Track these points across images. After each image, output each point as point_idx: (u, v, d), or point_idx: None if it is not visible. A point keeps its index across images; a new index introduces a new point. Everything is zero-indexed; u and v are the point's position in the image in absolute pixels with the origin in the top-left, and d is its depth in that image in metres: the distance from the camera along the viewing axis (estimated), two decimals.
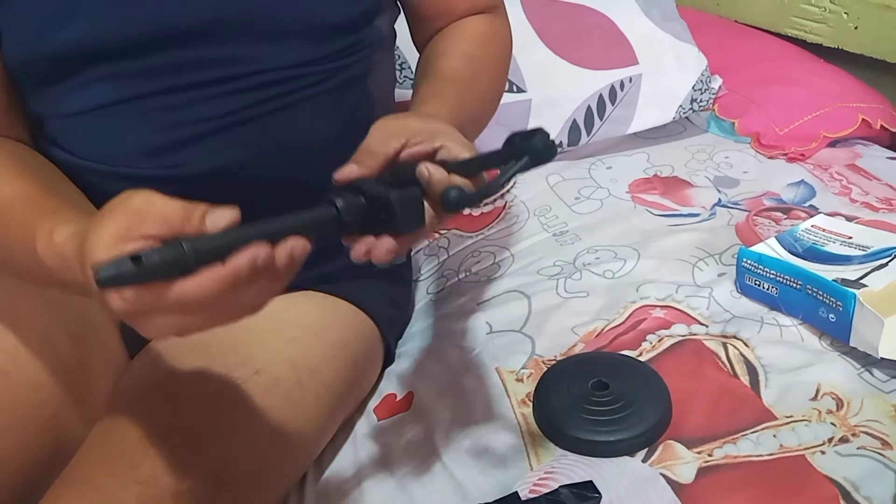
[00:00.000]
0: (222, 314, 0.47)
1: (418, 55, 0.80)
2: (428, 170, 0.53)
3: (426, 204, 0.52)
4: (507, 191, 0.50)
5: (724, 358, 0.76)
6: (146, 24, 0.65)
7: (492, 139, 1.11)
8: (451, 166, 0.53)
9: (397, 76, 1.08)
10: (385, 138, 0.55)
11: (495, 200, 1.07)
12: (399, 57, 1.10)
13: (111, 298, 0.44)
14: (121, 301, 0.44)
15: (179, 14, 0.65)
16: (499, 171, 0.51)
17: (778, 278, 0.80)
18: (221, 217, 0.46)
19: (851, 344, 0.74)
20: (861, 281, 0.76)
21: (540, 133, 0.50)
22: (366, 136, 0.57)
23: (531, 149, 0.49)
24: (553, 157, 0.50)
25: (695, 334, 0.79)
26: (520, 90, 1.13)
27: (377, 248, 0.52)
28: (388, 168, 0.55)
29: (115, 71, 0.66)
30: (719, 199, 1.03)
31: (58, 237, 0.53)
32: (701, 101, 1.17)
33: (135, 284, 0.43)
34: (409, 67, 1.09)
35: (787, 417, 0.69)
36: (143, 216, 0.45)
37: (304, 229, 0.47)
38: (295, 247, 0.46)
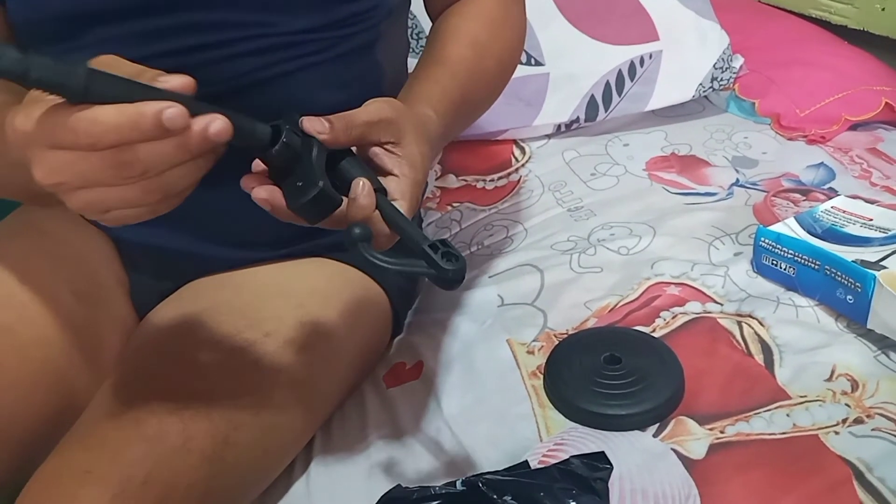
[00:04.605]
0: (134, 191, 0.44)
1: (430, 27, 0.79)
2: (364, 189, 0.50)
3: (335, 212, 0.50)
4: (392, 269, 0.49)
5: (738, 336, 0.75)
6: None
7: (510, 114, 1.10)
8: (382, 203, 0.51)
9: (413, 45, 1.06)
10: (374, 127, 0.54)
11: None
12: (416, 26, 1.09)
13: (17, 118, 0.43)
14: (24, 119, 0.43)
15: None
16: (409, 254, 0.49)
17: (796, 258, 0.79)
18: (172, 80, 0.44)
19: (869, 326, 0.73)
20: (881, 263, 0.75)
21: (459, 262, 0.47)
22: (364, 104, 0.55)
23: (443, 268, 0.47)
24: (453, 287, 0.48)
25: (709, 312, 0.78)
26: (538, 63, 1.12)
27: (262, 189, 0.49)
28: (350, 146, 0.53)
29: (117, 33, 0.65)
30: (737, 179, 1.01)
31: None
32: (722, 79, 1.15)
33: (15, 78, 0.39)
34: (425, 35, 1.08)
35: (801, 397, 0.68)
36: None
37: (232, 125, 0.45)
38: (214, 122, 0.43)
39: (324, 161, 0.50)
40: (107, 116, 0.41)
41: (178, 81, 0.44)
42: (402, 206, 0.53)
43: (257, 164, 0.52)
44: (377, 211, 0.51)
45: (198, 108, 0.43)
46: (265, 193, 0.50)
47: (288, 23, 0.67)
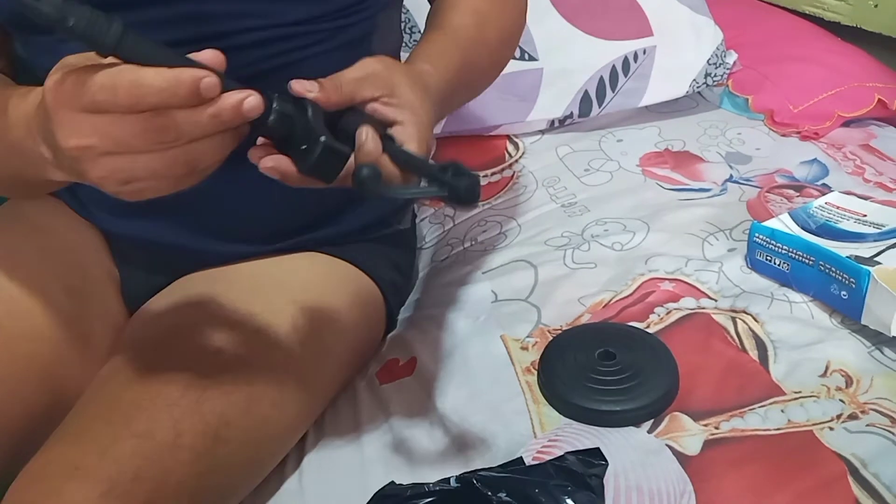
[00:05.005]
0: (163, 159, 0.44)
1: (429, 8, 0.78)
2: (367, 135, 0.50)
3: (347, 165, 0.50)
4: (411, 201, 0.49)
5: (732, 332, 0.75)
6: None
7: (503, 109, 1.10)
8: (390, 146, 0.51)
9: (406, 40, 1.06)
10: (363, 82, 0.53)
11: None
12: (409, 20, 1.08)
13: (50, 81, 0.44)
14: (57, 81, 0.43)
15: None
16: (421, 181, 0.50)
17: (790, 254, 0.79)
18: (203, 54, 0.44)
19: (863, 322, 0.73)
20: (875, 258, 0.75)
21: (470, 178, 0.48)
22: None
23: (453, 185, 0.47)
24: (470, 205, 0.48)
25: (703, 308, 0.78)
26: (532, 59, 1.11)
27: (269, 159, 0.49)
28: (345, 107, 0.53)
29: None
30: (731, 175, 1.01)
31: (37, 91, 0.50)
32: (715, 75, 1.15)
33: (54, 23, 0.40)
34: (419, 31, 1.07)
35: (796, 393, 0.68)
36: None
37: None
38: (250, 98, 0.44)
39: (322, 119, 0.50)
40: (150, 78, 0.42)
41: (209, 55, 0.45)
42: (411, 148, 0.52)
43: (262, 140, 0.51)
44: (386, 155, 0.51)
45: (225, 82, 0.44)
46: (271, 162, 0.49)
47: (286, 13, 0.66)
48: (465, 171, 0.48)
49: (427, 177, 0.49)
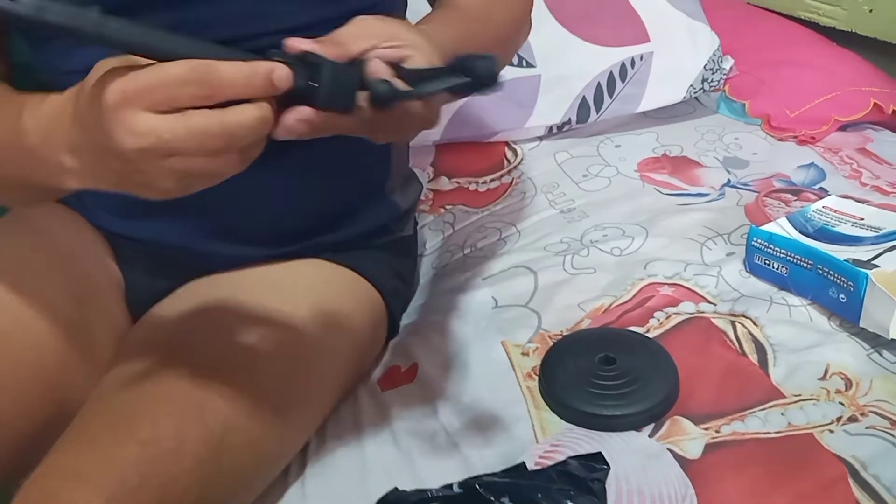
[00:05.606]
0: (219, 148, 0.45)
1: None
2: (375, 61, 0.50)
3: (362, 95, 0.49)
4: (431, 96, 0.48)
5: (732, 336, 0.75)
6: None
7: (502, 115, 1.11)
8: (401, 71, 0.50)
9: None
10: (358, 35, 0.52)
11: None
12: None
13: (103, 85, 0.44)
14: (114, 86, 0.44)
15: None
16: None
17: (788, 258, 0.79)
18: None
19: (861, 325, 0.73)
20: (873, 262, 0.75)
21: (485, 59, 0.47)
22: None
23: (472, 70, 0.47)
24: (491, 86, 0.47)
25: (703, 312, 0.78)
26: (529, 65, 1.12)
27: (289, 114, 0.47)
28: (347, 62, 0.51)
29: None
30: (728, 180, 1.02)
31: (53, 98, 0.51)
32: (712, 81, 1.16)
33: (32, 22, 0.41)
34: None
35: (796, 396, 0.68)
36: None
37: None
38: (278, 72, 0.45)
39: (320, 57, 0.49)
40: (228, 71, 0.44)
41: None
42: (425, 63, 0.51)
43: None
44: (399, 80, 0.50)
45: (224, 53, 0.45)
46: (292, 115, 0.47)
47: (295, 16, 0.66)
48: (476, 56, 0.47)
49: (442, 78, 0.49)
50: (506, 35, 0.76)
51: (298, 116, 0.47)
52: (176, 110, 0.44)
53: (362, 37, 0.52)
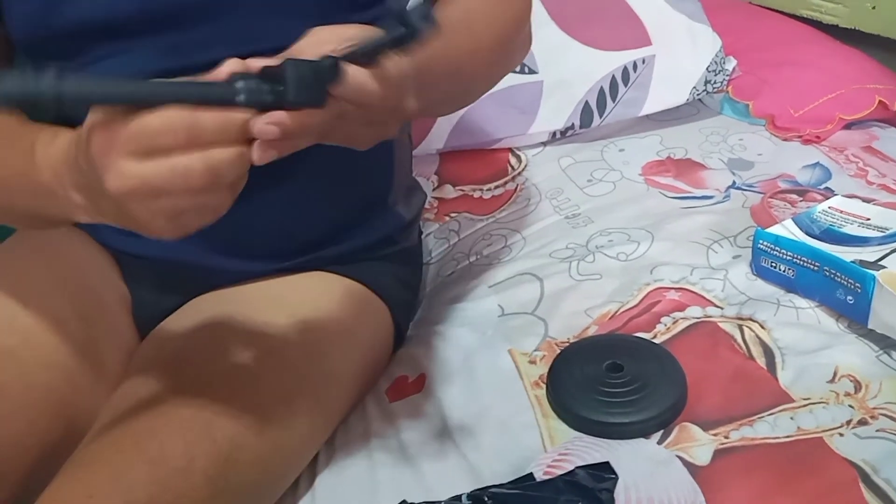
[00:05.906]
0: (204, 185, 0.46)
1: None
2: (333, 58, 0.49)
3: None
4: (375, 54, 0.48)
5: (739, 340, 0.75)
6: (156, 1, 0.64)
7: (505, 122, 1.11)
8: (351, 57, 0.50)
9: None
10: (315, 42, 0.52)
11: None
12: None
13: (91, 131, 0.47)
14: (98, 133, 0.46)
15: None
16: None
17: (795, 260, 0.79)
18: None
19: (870, 326, 0.73)
20: (880, 262, 0.75)
21: (418, 6, 0.48)
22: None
23: (406, 18, 0.47)
24: (426, 28, 0.48)
25: (710, 316, 0.78)
26: (531, 71, 1.12)
27: (260, 118, 0.47)
28: None
29: (123, 48, 0.65)
30: (733, 182, 1.01)
31: (64, 135, 0.53)
32: (715, 82, 1.15)
33: None
34: None
35: (805, 400, 0.68)
36: None
37: (201, 100, 0.46)
38: (268, 127, 0.46)
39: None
40: (206, 120, 0.45)
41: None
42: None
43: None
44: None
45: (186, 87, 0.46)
46: (260, 122, 0.47)
47: (297, 34, 0.66)
48: (413, 7, 0.48)
49: (384, 38, 0.49)
50: (488, 46, 0.74)
51: (269, 119, 0.48)
52: (160, 153, 0.46)
53: (319, 43, 0.52)
